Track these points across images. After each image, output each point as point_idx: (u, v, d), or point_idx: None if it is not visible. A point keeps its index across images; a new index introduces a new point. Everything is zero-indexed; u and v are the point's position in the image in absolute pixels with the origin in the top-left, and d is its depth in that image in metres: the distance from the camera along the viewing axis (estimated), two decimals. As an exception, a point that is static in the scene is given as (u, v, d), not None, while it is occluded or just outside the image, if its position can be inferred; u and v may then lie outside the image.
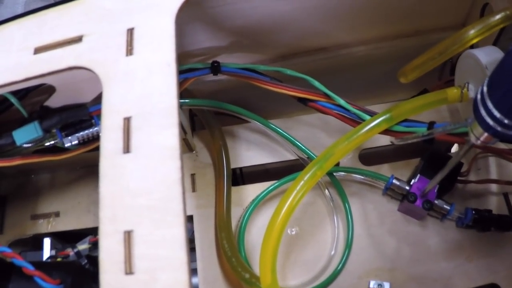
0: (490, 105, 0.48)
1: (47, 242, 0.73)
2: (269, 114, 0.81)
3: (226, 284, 0.75)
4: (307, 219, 0.78)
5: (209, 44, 0.75)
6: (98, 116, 0.63)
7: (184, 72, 0.68)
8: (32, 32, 0.56)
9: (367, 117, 0.66)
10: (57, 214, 0.80)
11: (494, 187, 0.79)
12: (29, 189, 0.83)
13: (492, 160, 0.81)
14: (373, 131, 0.64)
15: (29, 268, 0.53)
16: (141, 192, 0.45)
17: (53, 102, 0.62)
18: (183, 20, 0.54)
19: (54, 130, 0.63)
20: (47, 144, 0.64)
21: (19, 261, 0.53)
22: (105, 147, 0.48)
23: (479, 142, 0.53)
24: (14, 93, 0.60)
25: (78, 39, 0.54)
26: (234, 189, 0.79)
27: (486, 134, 0.51)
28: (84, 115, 0.62)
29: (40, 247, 0.75)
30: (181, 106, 0.73)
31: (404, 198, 0.74)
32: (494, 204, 0.78)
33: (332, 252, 0.75)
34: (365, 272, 0.75)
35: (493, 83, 0.48)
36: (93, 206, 0.81)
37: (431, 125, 0.64)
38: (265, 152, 0.83)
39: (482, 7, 0.74)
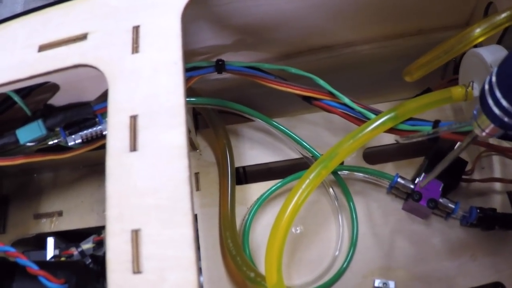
0: (498, 94, 0.47)
1: (50, 241, 0.72)
2: (272, 112, 0.81)
3: (230, 283, 0.74)
4: (312, 218, 0.78)
5: (213, 43, 0.74)
6: (102, 114, 0.62)
7: (188, 70, 0.68)
8: (36, 29, 0.56)
9: (372, 115, 0.66)
10: (60, 213, 0.80)
11: (498, 185, 0.79)
12: (32, 188, 0.83)
13: (496, 159, 0.81)
14: (378, 130, 0.64)
15: (34, 268, 0.52)
16: (148, 191, 0.45)
17: (57, 100, 0.61)
18: (187, 18, 0.53)
19: (57, 129, 0.62)
20: (51, 143, 0.63)
21: (23, 260, 0.53)
22: (112, 145, 0.47)
23: (484, 134, 0.52)
24: (17, 91, 0.59)
25: (83, 37, 0.54)
26: (237, 188, 0.79)
27: (492, 126, 0.51)
28: (88, 113, 0.62)
29: (42, 247, 0.75)
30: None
31: (408, 197, 0.74)
32: (498, 203, 0.78)
33: (337, 251, 0.75)
34: (370, 271, 0.75)
35: (502, 73, 0.48)
36: (96, 205, 0.80)
37: (436, 123, 0.64)
38: (269, 151, 0.83)
39: (486, 6, 0.74)
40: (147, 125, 0.48)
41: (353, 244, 0.75)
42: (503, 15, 0.63)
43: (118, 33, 0.53)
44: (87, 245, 0.70)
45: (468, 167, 0.78)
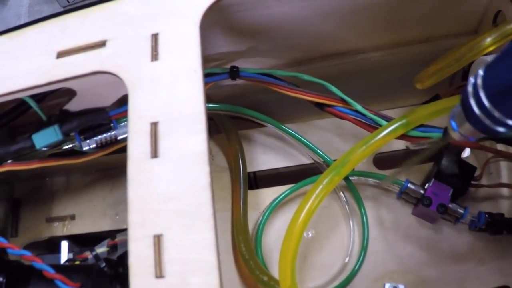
0: (482, 95, 0.47)
1: (64, 245, 0.73)
2: (283, 118, 0.81)
3: (243, 286, 0.75)
4: (323, 223, 0.78)
5: (226, 49, 0.75)
6: (118, 120, 0.63)
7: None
8: (54, 36, 0.56)
9: (383, 122, 0.67)
10: (72, 217, 0.80)
11: (505, 191, 0.80)
12: (44, 192, 0.83)
13: (504, 165, 0.81)
14: (390, 136, 0.64)
15: (50, 271, 0.53)
16: (169, 197, 0.46)
17: (73, 106, 0.62)
18: (203, 25, 0.54)
19: (72, 134, 0.63)
20: (65, 147, 0.64)
21: (39, 264, 0.53)
22: (133, 151, 0.48)
23: (462, 137, 0.51)
24: (32, 96, 0.60)
25: (102, 44, 0.54)
26: (249, 192, 0.79)
27: (471, 128, 0.50)
28: (104, 119, 0.62)
29: (54, 250, 0.75)
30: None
31: (418, 202, 0.75)
32: (506, 208, 0.78)
33: (348, 255, 0.76)
34: (380, 275, 0.75)
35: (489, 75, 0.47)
36: (108, 209, 0.81)
37: (446, 130, 0.65)
38: (280, 156, 0.84)
39: (494, 14, 0.74)
40: (168, 131, 0.48)
41: (363, 248, 0.76)
42: (513, 24, 0.64)
43: (137, 40, 0.54)
44: (101, 249, 0.70)
45: (477, 173, 0.78)
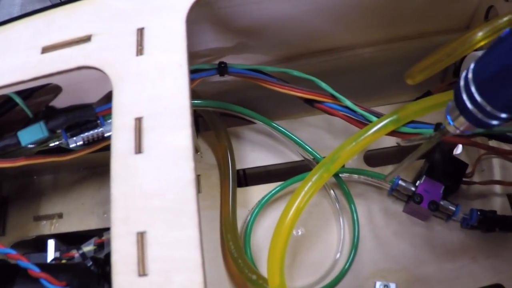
0: (473, 90, 0.47)
1: (51, 243, 0.72)
2: (273, 115, 0.81)
3: (232, 285, 0.74)
4: (313, 220, 0.78)
5: (215, 45, 0.74)
6: (104, 116, 0.62)
7: (190, 72, 0.67)
8: (40, 31, 0.55)
9: (374, 118, 0.66)
10: (60, 216, 0.80)
11: (498, 188, 0.79)
12: (32, 190, 0.82)
13: (496, 162, 0.80)
14: (380, 133, 0.64)
15: (35, 270, 0.52)
16: (154, 193, 0.45)
17: (59, 102, 0.62)
18: (190, 20, 0.54)
19: (59, 131, 0.62)
20: (52, 144, 0.63)
21: (25, 263, 0.52)
22: (117, 147, 0.47)
23: (458, 131, 0.52)
24: (19, 93, 0.59)
25: (87, 39, 0.54)
26: (238, 190, 0.78)
27: (466, 122, 0.50)
28: (90, 115, 0.62)
29: (42, 249, 0.74)
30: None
31: (409, 199, 0.74)
32: (498, 205, 0.78)
33: (338, 253, 0.75)
34: (371, 273, 0.75)
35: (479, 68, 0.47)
36: (96, 207, 0.80)
37: (437, 126, 0.64)
38: (270, 153, 0.83)
39: (486, 9, 0.74)
40: (152, 127, 0.48)
41: (354, 246, 0.75)
42: (505, 18, 0.63)
43: (123, 35, 0.53)
44: (88, 248, 0.70)
45: (468, 170, 0.78)
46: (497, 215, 0.74)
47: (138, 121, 0.48)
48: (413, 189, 0.74)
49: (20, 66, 0.53)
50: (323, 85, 0.68)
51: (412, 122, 0.65)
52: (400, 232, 0.77)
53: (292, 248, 0.76)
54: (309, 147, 0.78)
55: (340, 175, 0.78)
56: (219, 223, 0.77)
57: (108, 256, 0.66)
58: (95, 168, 0.82)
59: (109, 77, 0.51)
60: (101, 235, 0.71)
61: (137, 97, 0.49)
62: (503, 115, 0.45)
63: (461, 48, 0.66)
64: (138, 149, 0.47)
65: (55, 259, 0.71)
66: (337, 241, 0.76)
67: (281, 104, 0.79)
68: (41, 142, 0.62)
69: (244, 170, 0.84)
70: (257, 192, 0.80)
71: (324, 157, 0.64)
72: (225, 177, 0.77)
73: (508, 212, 0.77)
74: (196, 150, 0.81)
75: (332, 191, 0.78)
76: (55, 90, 0.59)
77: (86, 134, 0.63)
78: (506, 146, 0.75)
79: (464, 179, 0.77)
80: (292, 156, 0.83)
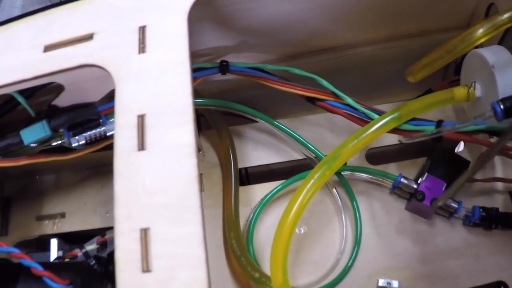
0: None
1: (54, 242, 0.72)
2: (275, 114, 0.81)
3: (235, 283, 0.74)
4: (315, 218, 0.78)
5: (216, 44, 0.75)
6: (106, 115, 0.63)
7: (193, 71, 0.67)
8: (41, 30, 0.56)
9: (375, 116, 0.66)
10: (62, 215, 0.80)
11: (500, 185, 0.79)
12: (34, 190, 0.82)
13: (498, 159, 0.81)
14: (381, 130, 0.64)
15: (38, 269, 0.52)
16: (157, 189, 0.45)
17: (61, 101, 0.62)
18: (192, 19, 0.54)
19: (61, 130, 0.62)
20: (54, 144, 0.63)
21: (28, 261, 0.52)
22: (119, 145, 0.48)
23: None
24: (21, 92, 0.59)
25: (89, 37, 0.54)
26: (240, 189, 0.78)
27: None
28: (92, 114, 0.62)
29: (45, 249, 0.74)
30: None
31: (412, 197, 0.75)
32: (500, 202, 0.78)
33: (341, 251, 0.75)
34: (374, 270, 0.75)
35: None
36: (99, 206, 0.80)
37: (439, 123, 0.65)
38: (272, 152, 0.83)
39: (487, 7, 0.74)
40: (155, 124, 0.48)
41: (357, 244, 0.75)
42: (505, 15, 0.63)
43: (125, 33, 0.53)
44: (91, 246, 0.70)
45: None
46: (499, 212, 0.74)
47: (141, 118, 0.48)
48: (415, 186, 0.74)
49: (22, 65, 0.53)
50: (325, 83, 0.68)
51: (414, 119, 0.65)
52: (402, 229, 0.77)
53: (295, 246, 0.76)
54: (311, 145, 0.79)
55: (342, 173, 0.78)
56: (221, 221, 0.77)
57: (111, 255, 0.66)
58: (98, 167, 0.82)
59: (111, 75, 0.51)
60: (103, 234, 0.71)
61: (139, 94, 0.50)
62: None
63: (461, 45, 0.66)
64: (141, 146, 0.47)
65: (58, 258, 0.71)
66: (340, 239, 0.76)
67: (282, 103, 0.79)
68: (44, 141, 0.62)
69: (246, 169, 0.84)
70: (260, 190, 0.80)
71: (326, 155, 0.64)
72: (227, 176, 0.77)
73: (510, 209, 0.77)
74: (198, 149, 0.81)
75: (334, 189, 0.78)
76: (57, 89, 0.59)
77: (89, 133, 0.63)
78: (508, 144, 0.75)
79: (466, 176, 0.77)
80: (294, 154, 0.83)
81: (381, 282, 0.73)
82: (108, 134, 0.64)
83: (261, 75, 0.70)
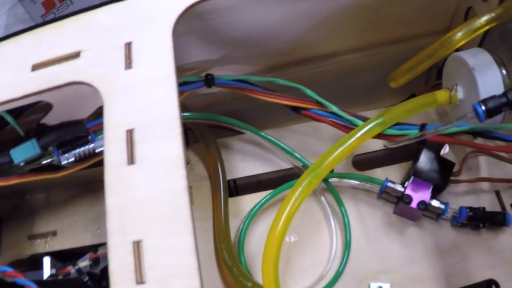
0: None
1: (47, 261, 0.72)
2: (262, 124, 0.82)
3: (228, 294, 0.75)
4: (305, 226, 0.79)
5: (201, 58, 0.75)
6: (95, 132, 0.63)
7: (179, 85, 0.68)
8: (29, 49, 0.56)
9: (360, 122, 0.67)
10: (54, 234, 0.80)
11: (486, 185, 0.80)
12: (25, 209, 0.83)
13: (483, 159, 0.82)
14: (366, 136, 0.65)
15: (32, 287, 0.53)
16: (148, 202, 0.46)
17: (50, 119, 0.62)
18: (176, 33, 0.55)
19: (50, 148, 0.63)
20: (44, 162, 0.64)
21: (22, 280, 0.53)
22: (109, 159, 0.48)
23: None
24: (10, 111, 0.60)
25: (76, 55, 0.55)
26: (230, 200, 0.79)
27: None
28: (81, 131, 0.62)
29: (37, 268, 0.74)
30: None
31: (399, 200, 0.75)
32: (487, 202, 0.79)
33: (331, 257, 0.76)
34: (365, 275, 0.75)
35: None
36: (90, 223, 0.80)
37: (422, 126, 0.65)
38: (260, 162, 0.84)
39: (466, 11, 0.75)
40: (144, 138, 0.49)
41: (347, 249, 0.76)
42: (483, 18, 0.65)
43: (111, 50, 0.54)
44: (83, 263, 0.70)
45: (456, 168, 0.79)
46: (486, 212, 0.75)
47: (130, 133, 0.49)
48: (401, 190, 0.75)
49: (10, 84, 0.54)
50: (309, 92, 0.69)
51: (398, 124, 0.66)
52: (391, 233, 0.78)
53: (286, 255, 0.76)
54: (298, 154, 0.79)
55: (330, 180, 0.79)
56: (212, 233, 0.77)
57: (104, 271, 0.67)
58: (88, 184, 0.83)
59: (99, 91, 0.52)
60: (96, 250, 0.72)
61: (127, 109, 0.50)
62: None
63: (441, 49, 0.67)
64: (131, 160, 0.48)
65: (51, 275, 0.71)
66: (330, 245, 0.77)
67: (268, 113, 0.80)
68: (33, 160, 0.62)
69: (235, 180, 0.84)
70: (249, 201, 0.80)
71: (312, 163, 0.64)
72: (216, 188, 0.78)
73: (496, 208, 0.78)
74: (187, 162, 0.82)
75: (322, 197, 0.79)
76: (46, 107, 0.60)
77: (78, 150, 0.64)
78: (492, 143, 0.76)
79: (452, 177, 0.78)
80: (281, 164, 0.83)
81: (373, 286, 0.74)
82: (97, 151, 0.64)
83: (246, 87, 0.70)
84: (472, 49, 0.70)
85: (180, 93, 0.68)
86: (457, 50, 0.68)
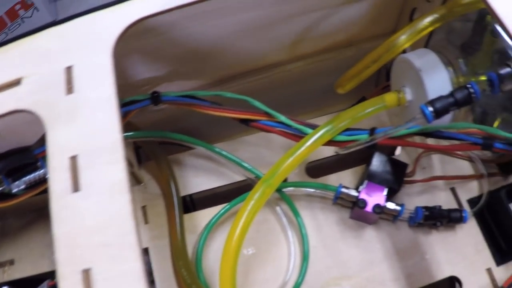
0: None
1: (4, 290, 0.72)
2: (213, 138, 0.81)
3: (188, 312, 0.74)
4: (262, 238, 0.78)
5: (149, 75, 0.75)
6: (44, 157, 0.62)
7: (126, 105, 0.67)
8: (-32, 79, 0.55)
9: (309, 130, 0.67)
10: (11, 262, 0.78)
11: (441, 183, 0.81)
12: (-19, 240, 0.81)
13: (436, 158, 0.83)
14: (316, 144, 0.65)
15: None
16: (95, 229, 0.46)
17: (-4, 148, 0.62)
18: (120, 53, 0.54)
19: (0, 177, 0.62)
20: (-6, 192, 0.63)
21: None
22: (54, 188, 0.48)
23: None
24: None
25: (17, 82, 0.54)
26: (186, 216, 0.79)
27: None
28: (29, 158, 0.62)
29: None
30: (125, 139, 0.73)
31: (354, 205, 0.75)
32: (443, 199, 0.80)
33: (290, 267, 0.76)
34: (325, 282, 0.75)
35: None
36: (47, 250, 0.79)
37: (372, 131, 0.66)
38: (213, 176, 0.83)
39: (410, 12, 0.76)
40: (88, 164, 0.48)
41: (305, 258, 0.76)
42: (426, 20, 0.66)
43: (52, 75, 0.54)
44: (41, 291, 0.69)
45: (409, 169, 0.80)
46: (442, 210, 0.75)
47: (73, 159, 0.48)
48: (356, 195, 0.75)
49: (-49, 116, 0.53)
50: (257, 103, 0.69)
51: (347, 129, 0.67)
52: (349, 238, 0.78)
53: (245, 268, 0.76)
54: (249, 165, 0.79)
55: (284, 189, 0.79)
56: (169, 251, 0.77)
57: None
58: (41, 210, 0.80)
59: (41, 118, 0.51)
60: (53, 277, 0.71)
61: (70, 136, 0.50)
62: None
63: (386, 53, 0.68)
64: (76, 188, 0.47)
65: (9, 305, 0.70)
66: (288, 255, 0.77)
67: (219, 126, 0.79)
68: (-17, 191, 0.62)
69: (190, 195, 0.84)
70: (205, 216, 0.79)
71: (265, 174, 0.64)
72: (171, 205, 0.77)
73: (453, 205, 0.79)
74: (140, 181, 0.81)
75: (278, 207, 0.79)
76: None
77: (28, 177, 0.63)
78: (444, 142, 0.76)
79: (405, 178, 0.78)
80: (235, 177, 0.83)
81: (334, 292, 0.74)
82: (47, 176, 0.63)
83: (193, 102, 0.70)
84: (418, 50, 0.70)
85: (128, 112, 0.68)
86: (404, 51, 0.68)
